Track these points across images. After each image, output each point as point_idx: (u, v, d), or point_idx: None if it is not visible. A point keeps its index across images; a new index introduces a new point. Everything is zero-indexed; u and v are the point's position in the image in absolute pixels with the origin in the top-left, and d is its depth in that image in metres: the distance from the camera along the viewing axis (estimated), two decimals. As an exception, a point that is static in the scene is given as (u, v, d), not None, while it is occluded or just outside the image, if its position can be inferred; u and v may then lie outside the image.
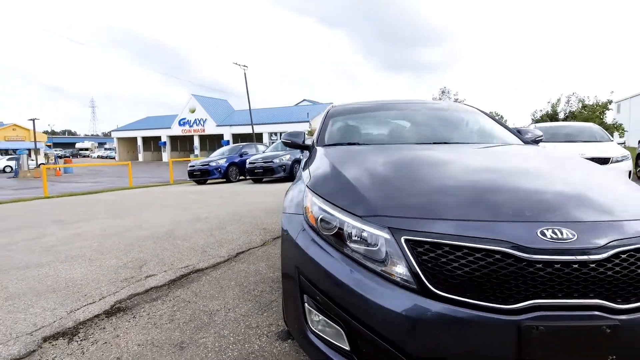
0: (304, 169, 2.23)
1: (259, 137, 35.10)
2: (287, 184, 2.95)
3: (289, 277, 1.58)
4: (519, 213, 1.28)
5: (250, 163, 12.07)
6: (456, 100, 18.13)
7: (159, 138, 43.66)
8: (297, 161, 11.79)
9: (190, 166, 13.48)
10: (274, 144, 14.63)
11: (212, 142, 42.88)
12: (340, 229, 1.39)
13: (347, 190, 1.58)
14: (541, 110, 18.34)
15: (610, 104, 16.05)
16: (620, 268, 1.14)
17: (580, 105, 16.83)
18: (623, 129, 16.61)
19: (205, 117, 38.91)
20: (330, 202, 1.51)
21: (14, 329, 2.16)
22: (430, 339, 1.16)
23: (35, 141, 26.80)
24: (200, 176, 13.06)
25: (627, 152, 7.39)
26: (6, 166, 29.73)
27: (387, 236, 1.28)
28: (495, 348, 1.12)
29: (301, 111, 35.62)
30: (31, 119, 27.31)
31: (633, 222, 1.25)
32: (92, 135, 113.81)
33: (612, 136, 15.20)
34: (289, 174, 11.61)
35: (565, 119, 16.72)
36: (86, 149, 77.10)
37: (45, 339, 2.04)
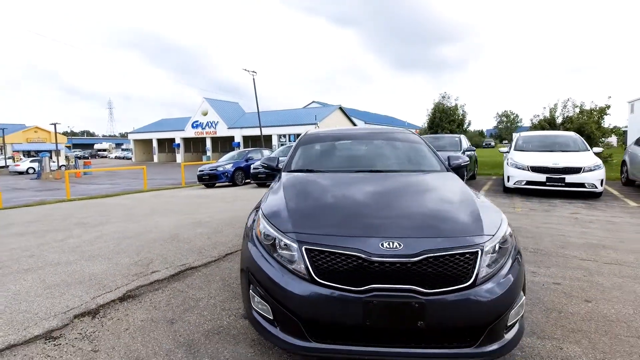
0: (270, 189, 2.96)
1: (268, 139, 36.07)
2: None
3: (243, 273, 2.31)
4: (373, 230, 2.01)
5: (254, 168, 12.89)
6: (455, 104, 18.54)
7: (173, 140, 45.13)
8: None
9: (199, 171, 14.37)
10: (281, 148, 15.46)
11: (223, 144, 44.11)
12: (274, 240, 2.12)
13: (282, 213, 2.31)
14: (537, 116, 18.67)
15: (608, 109, 16.25)
16: (427, 267, 1.84)
17: (578, 110, 17.14)
18: (621, 133, 16.75)
19: (217, 120, 40.11)
20: (270, 222, 2.24)
21: (52, 309, 2.95)
22: (313, 308, 1.87)
23: (56, 144, 28.33)
24: (209, 180, 13.94)
25: (599, 162, 7.88)
26: (29, 168, 31.31)
27: (296, 246, 2.00)
28: (349, 315, 1.82)
29: (309, 113, 36.53)
30: (52, 123, 28.85)
31: (439, 239, 1.94)
32: (110, 136, 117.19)
33: (613, 139, 15.44)
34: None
35: (562, 124, 17.02)
36: (104, 150, 79.70)
37: (75, 316, 2.82)
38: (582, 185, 7.70)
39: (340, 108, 38.44)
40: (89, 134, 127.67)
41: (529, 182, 8.15)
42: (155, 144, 47.13)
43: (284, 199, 2.51)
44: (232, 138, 40.37)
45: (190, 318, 2.76)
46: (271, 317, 2.03)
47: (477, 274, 1.87)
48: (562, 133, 10.07)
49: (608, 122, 19.53)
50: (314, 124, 32.09)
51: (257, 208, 2.61)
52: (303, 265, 1.94)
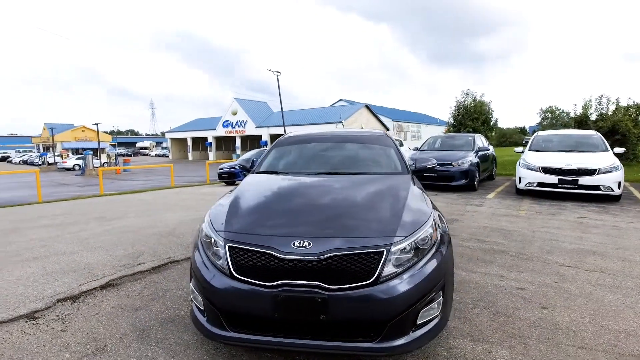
0: (230, 190, 3.16)
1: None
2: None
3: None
4: (290, 230, 2.15)
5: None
6: (475, 100, 17.69)
7: (205, 139, 46.90)
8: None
9: (219, 169, 14.95)
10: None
11: (252, 142, 45.20)
12: (211, 239, 2.31)
13: (221, 213, 2.49)
14: (568, 113, 17.64)
15: None
16: (332, 265, 1.95)
17: (614, 106, 15.93)
18: None
19: (246, 119, 41.17)
20: (210, 221, 2.43)
21: (42, 293, 3.33)
22: (230, 301, 2.05)
23: (98, 142, 30.39)
24: (228, 178, 14.46)
25: (617, 163, 7.41)
26: (75, 164, 33.79)
27: (222, 243, 2.18)
28: (261, 308, 1.98)
29: (334, 112, 36.53)
30: (95, 123, 30.94)
31: (347, 239, 2.05)
32: (152, 134, 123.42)
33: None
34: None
35: (595, 122, 15.92)
36: (145, 148, 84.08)
37: (58, 300, 3.18)
38: (596, 187, 7.28)
39: (367, 106, 38.06)
40: (133, 132, 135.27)
41: (540, 184, 7.82)
42: (189, 142, 49.21)
43: (231, 199, 2.70)
44: (260, 137, 41.31)
45: (154, 307, 3.02)
46: (202, 308, 2.23)
47: (379, 273, 1.96)
48: (582, 132, 9.52)
49: None
50: (339, 122, 32.09)
51: None
52: (225, 262, 2.12)
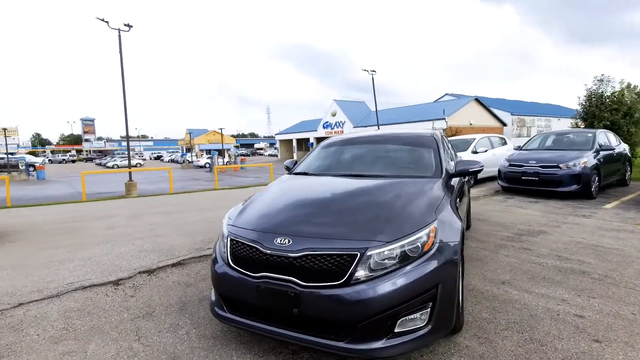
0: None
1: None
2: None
3: None
4: (278, 228, 2.30)
5: None
6: (620, 89, 14.23)
7: (307, 139, 49.54)
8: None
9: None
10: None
11: (352, 142, 45.73)
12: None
13: (236, 211, 2.80)
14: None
15: None
16: (307, 263, 2.05)
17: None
18: None
19: (344, 120, 41.89)
20: (229, 216, 2.76)
21: (131, 266, 4.17)
22: (226, 286, 2.33)
23: (222, 144, 35.21)
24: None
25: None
26: (206, 163, 39.67)
27: (226, 236, 2.48)
28: (248, 295, 2.21)
29: (438, 108, 34.03)
30: (220, 128, 35.93)
31: (323, 239, 2.10)
32: (267, 136, 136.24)
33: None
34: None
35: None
36: (261, 149, 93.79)
37: (139, 272, 3.95)
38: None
39: (477, 99, 34.43)
40: (253, 135, 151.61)
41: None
42: (294, 143, 52.71)
43: (251, 198, 3.00)
44: (357, 137, 41.52)
45: (201, 285, 3.53)
46: (215, 291, 2.57)
47: (350, 275, 1.97)
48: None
49: None
50: (442, 119, 29.99)
51: None
52: (226, 253, 2.40)
